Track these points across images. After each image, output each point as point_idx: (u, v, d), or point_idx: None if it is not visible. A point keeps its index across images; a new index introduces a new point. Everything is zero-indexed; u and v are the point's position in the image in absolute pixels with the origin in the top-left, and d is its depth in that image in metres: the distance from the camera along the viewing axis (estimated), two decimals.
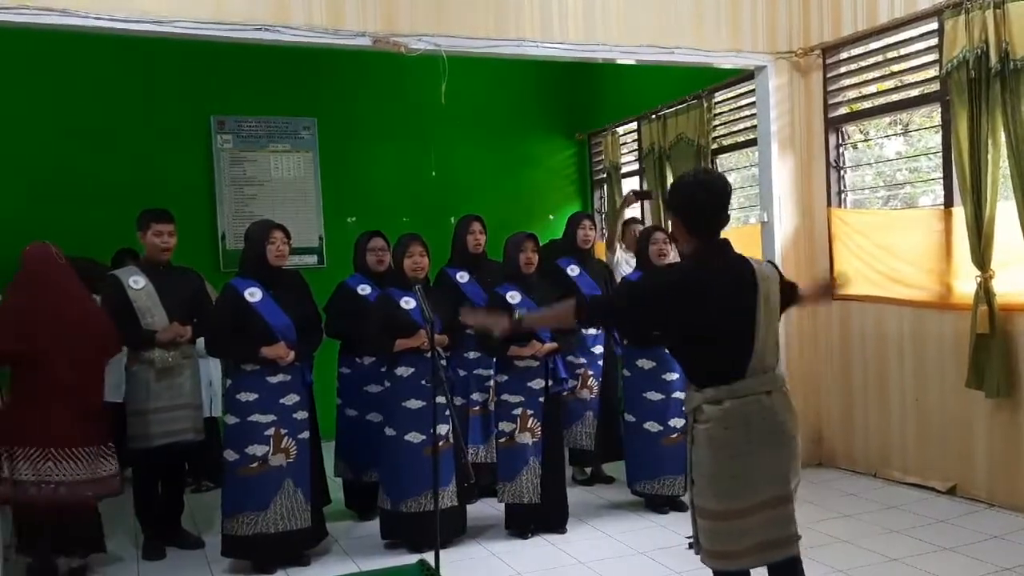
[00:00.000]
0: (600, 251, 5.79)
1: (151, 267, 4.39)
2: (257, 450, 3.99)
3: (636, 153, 7.26)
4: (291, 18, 4.40)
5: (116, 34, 4.20)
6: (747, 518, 2.55)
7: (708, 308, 2.54)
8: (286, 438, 4.05)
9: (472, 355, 4.96)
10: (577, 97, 8.00)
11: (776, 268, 2.74)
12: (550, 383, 4.44)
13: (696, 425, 2.61)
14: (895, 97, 5.13)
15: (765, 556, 2.60)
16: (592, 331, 5.15)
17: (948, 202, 4.70)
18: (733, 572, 2.65)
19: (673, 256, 4.96)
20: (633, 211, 6.41)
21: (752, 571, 2.67)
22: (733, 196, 3.05)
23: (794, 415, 2.65)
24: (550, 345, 4.39)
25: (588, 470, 5.45)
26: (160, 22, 4.16)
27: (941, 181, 4.80)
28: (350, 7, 4.51)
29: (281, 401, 4.07)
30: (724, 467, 2.55)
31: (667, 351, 4.61)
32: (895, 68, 5.11)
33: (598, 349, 5.20)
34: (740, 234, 5.57)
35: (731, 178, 6.36)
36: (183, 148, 6.72)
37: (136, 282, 4.32)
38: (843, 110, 5.43)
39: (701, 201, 2.60)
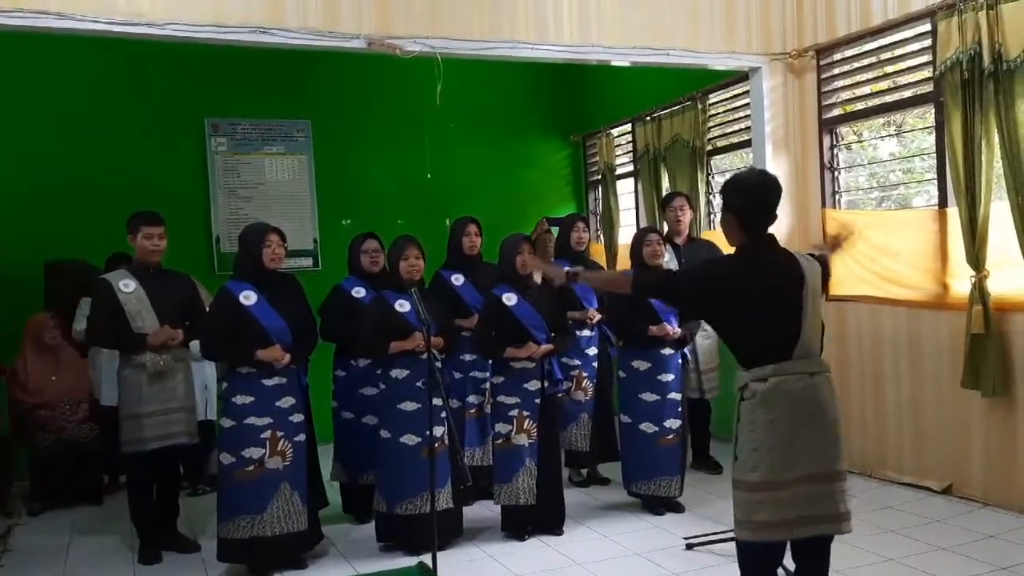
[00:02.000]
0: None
1: (142, 270, 4.37)
2: (253, 453, 3.98)
3: (631, 155, 7.27)
4: (286, 20, 4.39)
5: (112, 37, 4.20)
6: (785, 490, 2.67)
7: (757, 299, 2.72)
8: (282, 441, 4.04)
9: (468, 357, 4.96)
10: (572, 99, 8.01)
11: (815, 259, 2.86)
12: (546, 384, 4.44)
13: (742, 403, 2.76)
14: (889, 98, 5.14)
15: (806, 529, 2.71)
16: (587, 332, 5.16)
17: (942, 203, 4.71)
18: (766, 545, 2.74)
19: (667, 257, 4.97)
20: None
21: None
22: None
23: (837, 400, 2.80)
24: (546, 347, 4.39)
25: (584, 471, 5.45)
26: (155, 25, 4.16)
27: (935, 182, 4.82)
28: (345, 9, 4.51)
29: (277, 404, 4.05)
30: (764, 439, 2.69)
31: (665, 352, 4.67)
32: (889, 69, 5.12)
33: (592, 351, 5.20)
34: None
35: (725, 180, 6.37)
36: (177, 151, 6.71)
37: (126, 285, 4.30)
38: (837, 111, 5.45)
39: (755, 200, 2.79)
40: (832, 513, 2.73)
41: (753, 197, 2.80)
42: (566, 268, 3.02)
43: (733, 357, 2.87)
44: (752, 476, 2.71)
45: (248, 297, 4.06)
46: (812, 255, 2.94)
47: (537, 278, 4.08)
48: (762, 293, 2.72)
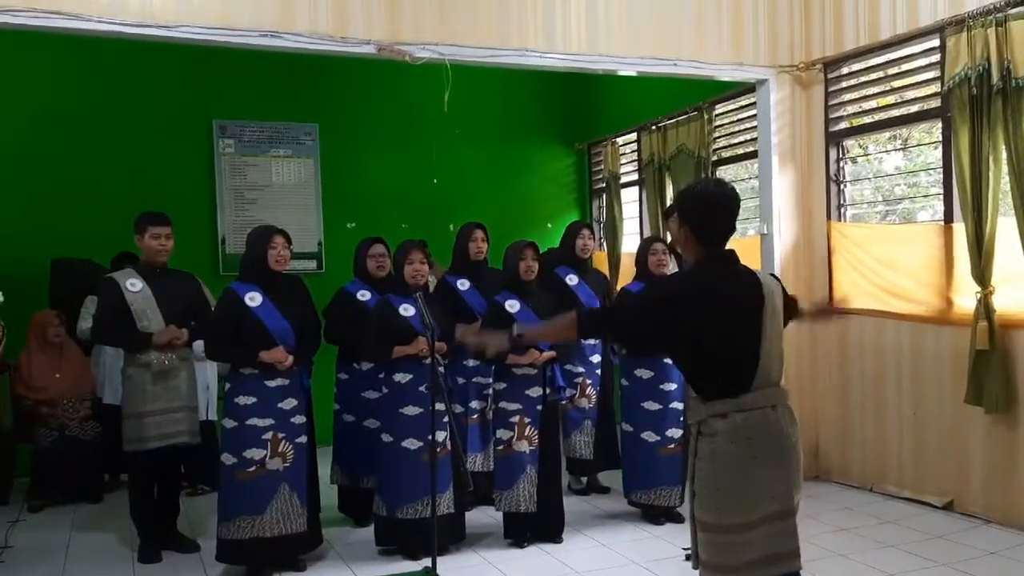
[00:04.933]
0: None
1: (148, 270, 4.39)
2: (255, 454, 3.99)
3: (636, 163, 7.27)
4: (297, 25, 4.41)
5: (124, 38, 4.22)
6: (750, 532, 2.51)
7: (716, 319, 2.50)
8: (283, 442, 4.04)
9: (471, 363, 4.95)
10: (577, 107, 8.03)
11: (779, 280, 2.72)
12: (547, 391, 4.44)
13: (700, 438, 2.57)
14: (896, 112, 5.15)
15: (766, 570, 2.55)
16: (591, 340, 5.16)
17: (948, 218, 4.71)
18: None
19: (672, 267, 4.97)
20: None
21: None
22: None
23: (797, 429, 2.62)
24: (548, 354, 4.40)
25: (584, 479, 5.44)
26: (167, 27, 4.18)
27: (940, 197, 4.82)
28: (355, 15, 4.52)
29: (279, 405, 4.06)
30: (728, 481, 2.51)
31: (668, 361, 4.66)
32: (896, 84, 5.13)
33: (596, 358, 5.20)
34: (739, 246, 5.47)
35: None
36: (185, 152, 6.74)
37: (133, 285, 4.32)
38: (844, 124, 5.46)
39: (713, 211, 2.59)
40: (793, 550, 2.56)
41: (709, 209, 2.58)
42: (516, 328, 2.75)
43: None
44: (717, 519, 2.52)
45: (253, 298, 4.07)
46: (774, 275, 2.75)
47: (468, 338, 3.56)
48: (719, 318, 2.50)
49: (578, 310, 2.81)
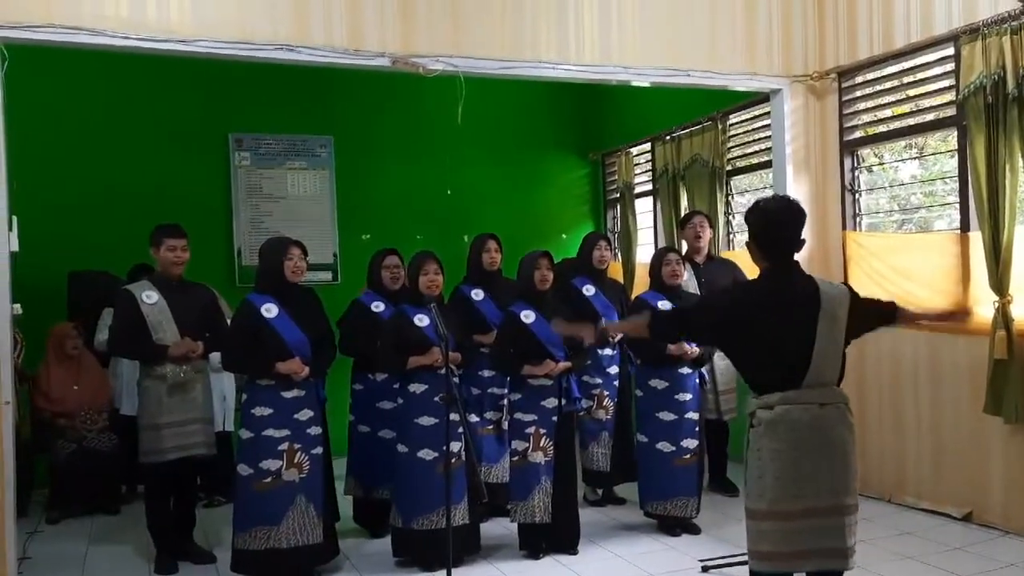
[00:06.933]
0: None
1: (164, 282, 4.42)
2: (271, 465, 4.00)
3: (650, 174, 7.28)
4: (312, 38, 4.46)
5: (142, 53, 4.27)
6: (791, 522, 2.66)
7: (759, 326, 2.72)
8: (299, 453, 4.06)
9: (486, 373, 4.96)
10: (591, 117, 8.04)
11: (850, 289, 2.85)
12: (563, 402, 4.44)
13: (750, 430, 2.77)
14: (911, 121, 5.13)
15: (810, 563, 2.70)
16: (608, 351, 5.16)
17: (965, 226, 4.68)
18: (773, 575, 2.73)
19: (686, 276, 4.97)
20: None
21: None
22: None
23: (851, 433, 2.78)
24: (563, 364, 4.39)
25: (600, 491, 5.43)
26: (185, 41, 4.23)
27: (956, 205, 4.80)
28: (370, 28, 4.56)
29: (295, 416, 4.08)
30: (770, 468, 2.69)
31: (683, 371, 4.65)
32: (911, 92, 5.11)
33: (614, 369, 5.19)
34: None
35: (745, 200, 6.38)
36: (201, 165, 6.79)
37: (149, 297, 4.35)
38: (858, 134, 5.44)
39: (772, 225, 2.81)
40: (838, 548, 2.71)
41: (771, 223, 2.81)
42: (603, 321, 3.10)
43: None
44: (758, 505, 2.72)
45: (269, 310, 4.09)
46: (883, 302, 2.89)
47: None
48: (771, 321, 2.71)
49: (652, 312, 3.23)
